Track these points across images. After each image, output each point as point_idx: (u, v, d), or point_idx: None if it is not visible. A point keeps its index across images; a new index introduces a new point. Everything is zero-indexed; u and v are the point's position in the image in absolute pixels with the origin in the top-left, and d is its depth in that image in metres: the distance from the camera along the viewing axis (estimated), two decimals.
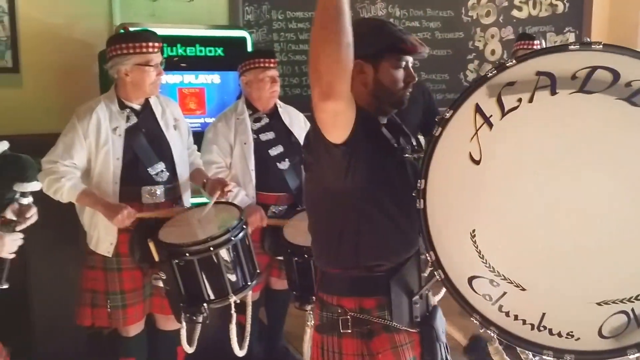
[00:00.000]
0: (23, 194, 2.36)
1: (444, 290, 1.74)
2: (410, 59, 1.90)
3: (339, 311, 1.86)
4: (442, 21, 5.25)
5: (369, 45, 1.83)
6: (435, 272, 1.70)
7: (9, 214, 2.41)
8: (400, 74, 1.87)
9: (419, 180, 1.68)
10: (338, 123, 1.67)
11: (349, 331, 1.82)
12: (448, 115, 1.63)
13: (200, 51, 4.00)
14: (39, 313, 3.45)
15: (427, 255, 1.70)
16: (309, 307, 3.13)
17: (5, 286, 2.41)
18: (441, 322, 1.95)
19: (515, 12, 5.51)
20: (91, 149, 2.96)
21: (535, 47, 4.40)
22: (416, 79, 1.91)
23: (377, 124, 1.90)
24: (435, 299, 1.96)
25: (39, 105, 3.46)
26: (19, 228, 2.38)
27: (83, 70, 4.07)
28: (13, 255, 2.37)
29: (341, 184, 1.77)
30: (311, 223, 1.99)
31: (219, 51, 4.03)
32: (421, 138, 3.84)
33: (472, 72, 5.44)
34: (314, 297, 3.08)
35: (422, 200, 1.67)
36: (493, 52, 5.48)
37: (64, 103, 3.85)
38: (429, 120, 3.91)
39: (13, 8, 3.91)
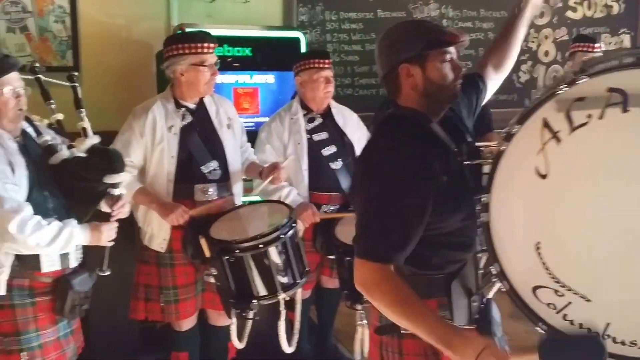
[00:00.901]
0: (113, 185, 2.49)
1: (497, 285, 1.73)
2: (453, 50, 1.87)
3: None
4: (495, 22, 5.18)
5: (411, 47, 1.81)
6: (500, 284, 1.69)
7: (104, 206, 2.56)
8: (448, 67, 1.85)
9: (483, 195, 1.67)
10: None
11: (410, 332, 1.81)
12: (515, 130, 1.62)
13: (257, 52, 4.02)
14: (93, 306, 3.53)
15: (492, 267, 1.70)
16: (359, 307, 3.14)
17: (108, 272, 2.54)
18: (496, 315, 1.94)
19: (569, 13, 5.40)
20: (147, 147, 3.03)
21: (596, 49, 4.28)
22: (463, 68, 1.89)
23: (428, 130, 1.88)
24: (489, 294, 1.93)
25: (98, 104, 3.55)
26: (113, 218, 2.53)
27: (141, 70, 4.15)
28: (112, 243, 2.52)
29: None
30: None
31: (247, 51, 4.04)
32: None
33: (525, 73, 5.35)
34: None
35: (486, 214, 1.67)
36: (547, 53, 5.38)
37: (122, 102, 3.94)
38: (479, 120, 3.84)
39: (74, 9, 4.01)
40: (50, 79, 2.71)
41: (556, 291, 1.63)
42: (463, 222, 1.83)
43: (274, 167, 3.17)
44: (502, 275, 1.68)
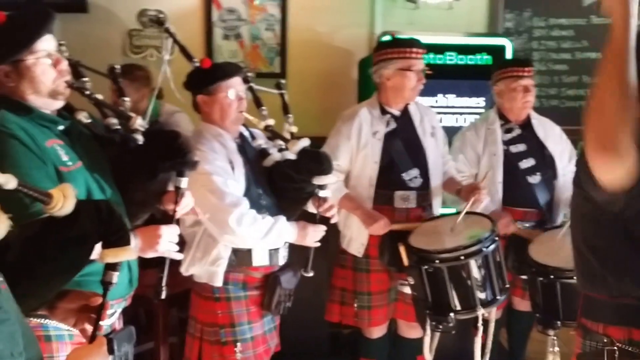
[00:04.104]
0: (320, 187, 2.58)
1: None
2: None
3: (605, 341, 1.69)
4: None
5: None
6: None
7: (311, 207, 2.66)
8: None
9: None
10: (610, 175, 1.52)
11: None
12: None
13: (460, 59, 3.97)
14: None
15: None
16: (552, 332, 2.96)
17: (311, 274, 2.64)
18: None
19: None
20: (352, 152, 3.07)
21: None
22: None
23: None
24: None
25: (302, 110, 3.63)
26: (319, 220, 2.63)
27: (343, 78, 4.24)
28: (317, 244, 2.62)
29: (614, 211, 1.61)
30: (574, 241, 1.83)
31: (449, 58, 3.95)
32: None
33: None
34: (559, 322, 2.92)
35: None
36: None
37: (323, 108, 4.05)
38: None
39: (285, 17, 4.20)
40: (261, 87, 2.87)
41: None
42: None
43: (474, 189, 3.04)
44: None
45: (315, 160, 2.57)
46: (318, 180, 2.57)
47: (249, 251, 2.54)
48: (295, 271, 2.65)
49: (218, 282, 2.54)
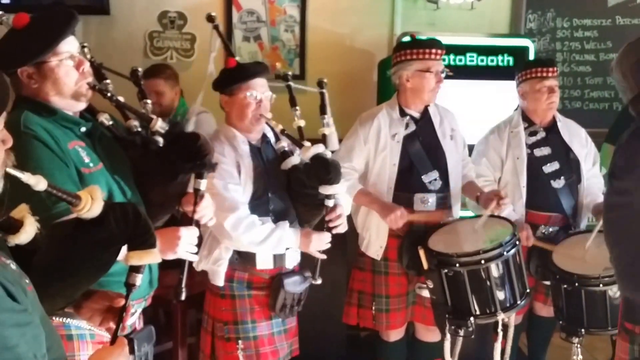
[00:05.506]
0: (327, 197, 2.52)
1: None
2: None
3: None
4: None
5: None
6: None
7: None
8: None
9: None
10: None
11: None
12: None
13: (482, 60, 3.93)
14: (303, 311, 3.63)
15: None
16: (576, 340, 2.93)
17: (319, 281, 2.62)
18: None
19: None
20: (370, 154, 3.05)
21: None
22: None
23: None
24: None
25: None
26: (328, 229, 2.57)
27: (363, 79, 4.22)
28: (323, 256, 2.58)
29: None
30: (614, 246, 1.80)
31: (470, 59, 3.92)
32: None
33: None
34: (582, 330, 2.88)
35: None
36: None
37: (343, 110, 4.00)
38: None
39: (304, 18, 4.19)
40: (300, 86, 2.88)
41: None
42: None
43: (494, 196, 3.00)
44: None
45: (324, 169, 2.49)
46: (323, 189, 2.50)
47: (253, 253, 2.56)
48: (304, 276, 2.64)
49: (219, 282, 2.57)
